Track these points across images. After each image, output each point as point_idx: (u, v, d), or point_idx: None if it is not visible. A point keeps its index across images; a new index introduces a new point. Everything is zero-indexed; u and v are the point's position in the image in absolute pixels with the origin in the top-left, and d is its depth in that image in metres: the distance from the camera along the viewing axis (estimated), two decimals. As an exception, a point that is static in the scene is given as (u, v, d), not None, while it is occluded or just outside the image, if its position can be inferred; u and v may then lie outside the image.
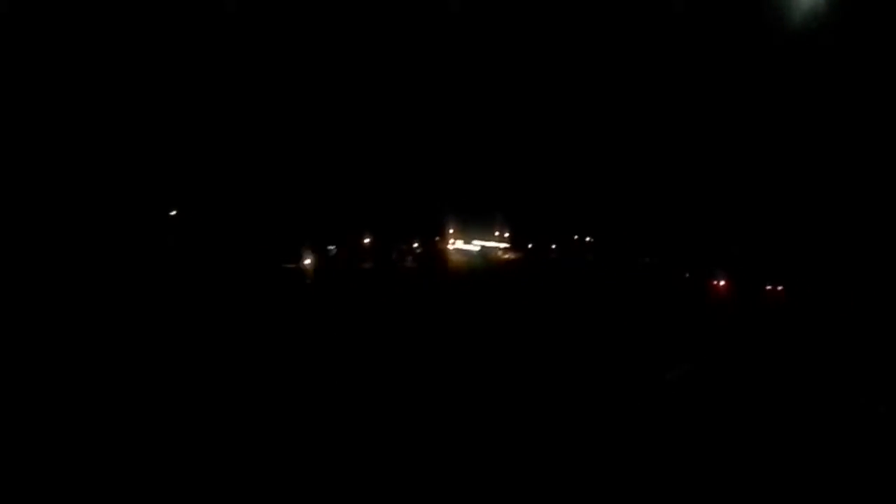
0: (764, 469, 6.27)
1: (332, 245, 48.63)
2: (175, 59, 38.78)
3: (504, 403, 7.86)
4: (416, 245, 51.22)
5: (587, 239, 65.78)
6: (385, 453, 5.61)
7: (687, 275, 56.05)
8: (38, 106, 29.87)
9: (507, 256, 62.19)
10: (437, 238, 56.21)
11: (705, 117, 58.36)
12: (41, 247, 22.85)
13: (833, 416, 8.70)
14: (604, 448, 6.55)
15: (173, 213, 38.30)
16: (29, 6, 29.12)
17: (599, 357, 11.49)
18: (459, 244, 59.30)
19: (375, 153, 52.49)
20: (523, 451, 6.08)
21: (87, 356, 8.55)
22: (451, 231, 60.58)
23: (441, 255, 53.32)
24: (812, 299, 43.53)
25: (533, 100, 62.39)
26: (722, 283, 51.16)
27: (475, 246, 62.17)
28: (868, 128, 44.24)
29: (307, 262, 26.72)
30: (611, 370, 10.53)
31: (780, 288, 53.27)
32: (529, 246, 64.14)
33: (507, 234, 64.66)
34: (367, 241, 45.62)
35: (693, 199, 58.42)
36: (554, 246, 65.05)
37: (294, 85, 47.55)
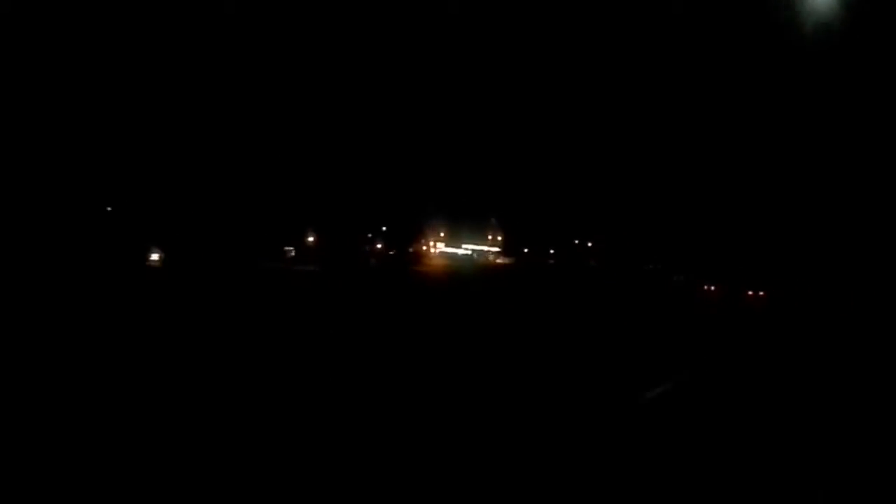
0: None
1: (290, 246, 46.34)
2: (144, 59, 37.75)
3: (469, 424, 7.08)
4: (379, 246, 47.94)
5: (589, 244, 61.09)
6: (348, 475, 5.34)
7: (683, 279, 50.95)
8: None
9: (499, 261, 58.23)
10: (416, 239, 52.94)
11: (707, 121, 53.67)
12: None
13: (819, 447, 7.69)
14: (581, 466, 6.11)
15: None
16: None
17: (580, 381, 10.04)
18: (441, 246, 55.75)
19: (358, 150, 50.03)
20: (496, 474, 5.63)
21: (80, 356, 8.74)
22: (440, 234, 57.26)
23: (417, 258, 49.89)
24: (805, 310, 38.50)
25: (534, 96, 58.75)
26: (714, 287, 46.00)
27: (465, 249, 58.57)
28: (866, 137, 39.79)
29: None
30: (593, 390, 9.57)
31: (765, 292, 48.04)
32: (525, 251, 60.01)
33: (500, 238, 60.86)
34: (310, 239, 42.61)
35: (696, 201, 53.57)
36: (552, 251, 60.66)
37: (287, 79, 45.81)
